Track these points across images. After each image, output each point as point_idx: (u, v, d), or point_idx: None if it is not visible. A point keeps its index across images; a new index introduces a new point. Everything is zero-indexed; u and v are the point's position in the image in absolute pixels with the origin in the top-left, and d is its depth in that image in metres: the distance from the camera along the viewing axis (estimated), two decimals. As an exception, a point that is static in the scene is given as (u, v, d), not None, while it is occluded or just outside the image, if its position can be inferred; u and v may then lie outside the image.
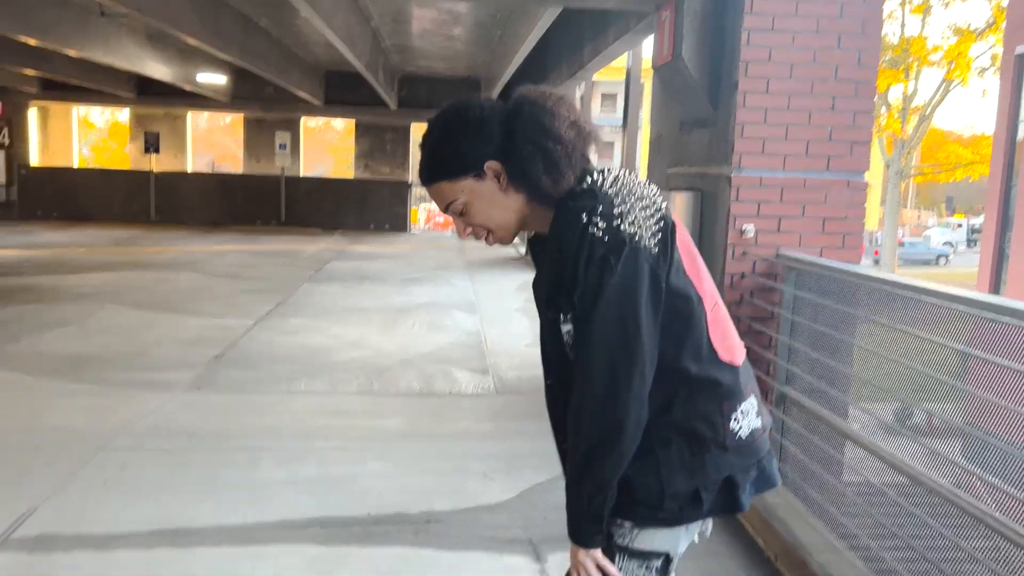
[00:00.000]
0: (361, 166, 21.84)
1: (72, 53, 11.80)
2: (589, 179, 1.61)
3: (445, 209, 1.68)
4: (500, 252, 15.04)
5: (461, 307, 9.18)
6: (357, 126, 22.31)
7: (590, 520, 1.60)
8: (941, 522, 2.65)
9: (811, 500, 3.54)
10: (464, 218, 1.66)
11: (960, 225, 44.48)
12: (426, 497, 3.88)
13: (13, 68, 13.83)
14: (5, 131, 18.46)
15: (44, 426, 4.73)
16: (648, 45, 6.73)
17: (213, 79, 16.01)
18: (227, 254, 13.58)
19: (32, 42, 10.90)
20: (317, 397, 5.57)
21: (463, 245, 16.23)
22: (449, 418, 5.27)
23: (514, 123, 1.61)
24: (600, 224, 1.52)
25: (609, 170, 1.65)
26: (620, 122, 10.84)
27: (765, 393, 4.05)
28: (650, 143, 5.67)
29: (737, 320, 4.10)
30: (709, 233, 4.30)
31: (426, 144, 1.67)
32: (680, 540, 1.67)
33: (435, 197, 1.69)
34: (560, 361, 1.67)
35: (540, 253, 1.69)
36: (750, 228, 4.03)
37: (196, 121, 23.82)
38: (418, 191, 20.72)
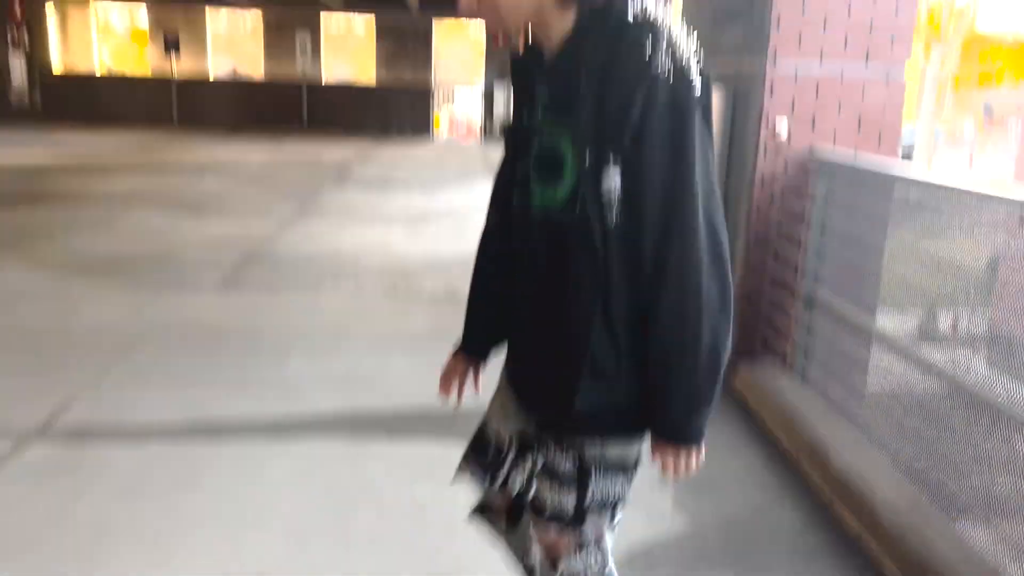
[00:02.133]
0: (382, 70, 21.45)
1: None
2: (644, 9, 1.38)
3: None
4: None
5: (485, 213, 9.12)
6: (378, 29, 21.80)
7: (706, 409, 1.41)
8: (970, 428, 2.64)
9: (835, 401, 3.55)
10: None
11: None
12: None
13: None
14: (24, 33, 18.24)
15: (78, 324, 4.82)
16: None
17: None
18: (250, 158, 13.54)
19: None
20: (343, 298, 5.62)
21: (486, 152, 16.02)
22: (474, 320, 5.30)
23: None
24: (667, 62, 1.33)
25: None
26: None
27: (793, 292, 4.02)
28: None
29: (767, 222, 4.03)
30: (740, 130, 4.18)
31: None
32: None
33: None
34: (578, 226, 1.38)
35: (572, 74, 1.38)
36: (783, 126, 3.92)
37: (216, 25, 23.34)
38: (442, 96, 20.34)
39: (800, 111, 3.91)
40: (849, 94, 3.90)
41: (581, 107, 1.35)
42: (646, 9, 1.38)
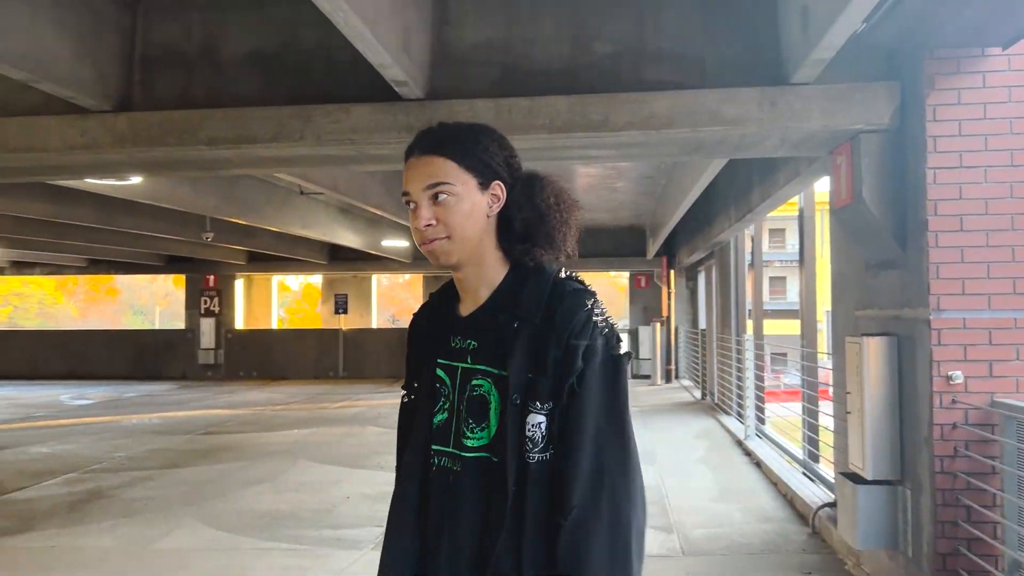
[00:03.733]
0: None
1: (274, 229, 13.11)
2: (572, 275, 1.57)
3: (427, 188, 1.49)
4: (675, 397, 14.66)
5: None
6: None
7: None
8: None
9: None
10: (438, 209, 1.49)
11: None
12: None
13: (227, 245, 15.56)
14: (216, 300, 20.53)
15: (243, 586, 4.92)
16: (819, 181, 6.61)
17: (396, 244, 17.16)
18: (408, 407, 14.07)
19: (243, 222, 12.24)
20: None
21: (635, 389, 15.97)
22: (634, 581, 5.01)
23: (539, 179, 1.55)
24: (602, 319, 1.49)
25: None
26: (788, 256, 10.51)
27: (995, 559, 3.60)
28: (832, 283, 5.45)
29: (953, 476, 3.72)
30: (910, 380, 3.99)
31: (456, 124, 1.54)
32: None
33: (423, 170, 1.49)
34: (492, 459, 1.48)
35: (505, 322, 1.50)
36: (958, 374, 3.71)
37: (379, 280, 25.46)
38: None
39: (974, 358, 3.72)
40: (1027, 339, 3.69)
41: (513, 354, 1.47)
42: (570, 270, 1.58)
